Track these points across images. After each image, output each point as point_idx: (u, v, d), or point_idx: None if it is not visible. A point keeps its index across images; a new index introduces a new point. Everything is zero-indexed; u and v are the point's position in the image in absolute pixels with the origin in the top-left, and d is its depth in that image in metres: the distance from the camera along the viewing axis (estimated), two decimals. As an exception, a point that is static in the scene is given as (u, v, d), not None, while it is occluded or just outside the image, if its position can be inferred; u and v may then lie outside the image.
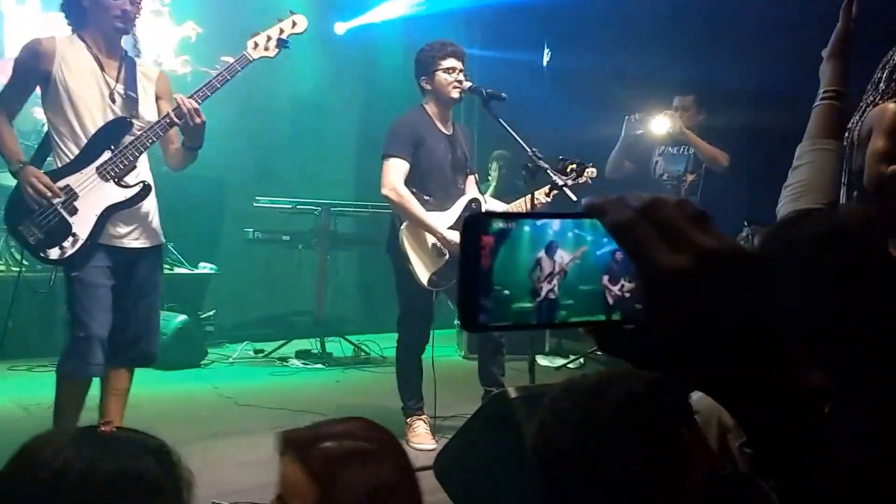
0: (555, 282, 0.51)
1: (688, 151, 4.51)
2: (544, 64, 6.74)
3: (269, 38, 3.14)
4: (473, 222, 0.51)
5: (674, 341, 0.49)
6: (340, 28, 7.34)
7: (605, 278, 0.52)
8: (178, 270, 6.01)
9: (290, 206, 5.79)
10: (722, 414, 1.26)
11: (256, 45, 3.14)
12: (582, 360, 5.57)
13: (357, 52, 7.38)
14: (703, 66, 5.43)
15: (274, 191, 5.99)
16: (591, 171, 3.71)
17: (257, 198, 5.79)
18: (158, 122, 3.03)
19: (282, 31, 3.16)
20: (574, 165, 3.50)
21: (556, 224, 0.52)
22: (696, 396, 1.08)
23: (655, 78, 5.17)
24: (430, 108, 3.78)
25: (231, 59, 3.15)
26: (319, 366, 5.47)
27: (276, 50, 3.14)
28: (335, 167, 7.21)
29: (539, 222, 0.52)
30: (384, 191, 3.66)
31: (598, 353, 5.58)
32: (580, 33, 6.53)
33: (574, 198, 3.31)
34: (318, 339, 5.68)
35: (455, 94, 3.69)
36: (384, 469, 1.17)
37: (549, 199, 3.58)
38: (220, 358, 5.53)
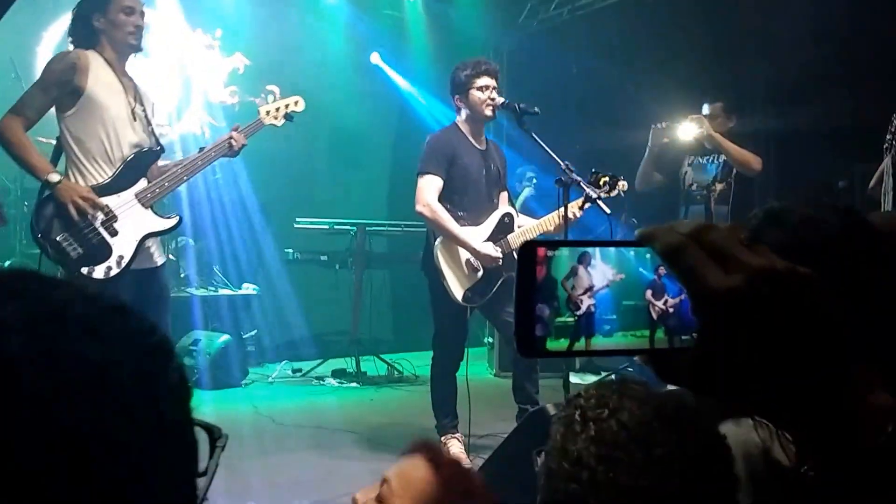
0: (595, 298, 0.51)
1: (717, 160, 4.18)
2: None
3: (277, 109, 3.46)
4: (525, 252, 0.50)
5: (732, 363, 0.46)
6: (375, 58, 7.37)
7: (649, 293, 0.51)
8: (222, 292, 5.97)
9: (327, 227, 5.74)
10: (772, 449, 1.09)
11: (268, 112, 3.44)
12: (614, 376, 5.35)
13: (391, 79, 7.39)
14: (730, 73, 5.25)
15: (313, 212, 5.93)
16: (622, 185, 3.54)
17: (297, 219, 5.74)
18: (188, 166, 3.11)
19: (287, 106, 3.48)
20: (606, 178, 3.34)
21: (598, 250, 0.52)
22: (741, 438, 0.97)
23: (682, 86, 4.96)
24: (464, 126, 3.65)
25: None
26: (354, 384, 5.34)
27: (283, 120, 3.48)
28: (370, 188, 7.18)
29: (582, 249, 0.52)
30: (419, 207, 3.53)
31: (630, 369, 5.36)
32: (606, 43, 6.42)
33: (607, 210, 3.14)
34: (353, 357, 5.54)
35: (489, 111, 3.56)
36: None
37: (581, 213, 3.41)
38: (260, 377, 5.43)
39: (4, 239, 5.22)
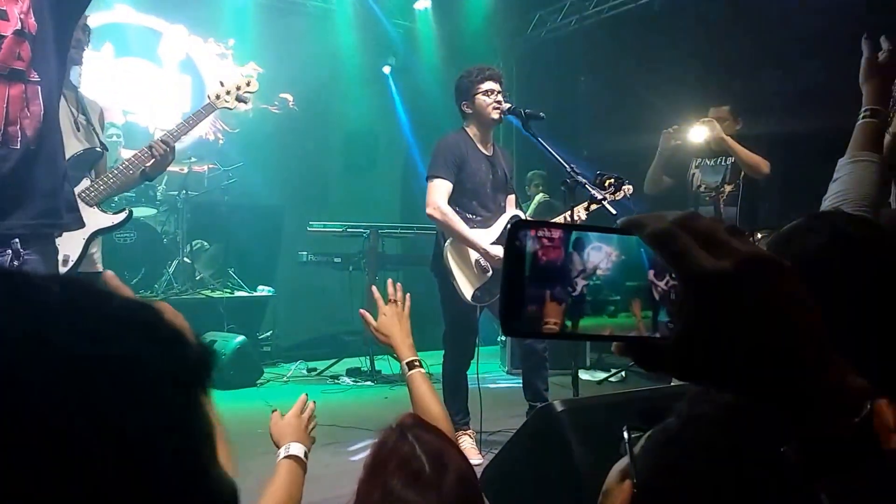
0: (593, 280, 0.49)
1: (725, 162, 4.12)
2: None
3: (228, 93, 3.30)
4: (517, 229, 0.49)
5: (720, 346, 0.46)
6: (387, 68, 7.42)
7: (651, 273, 0.50)
8: (238, 294, 5.99)
9: (340, 230, 5.73)
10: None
11: (219, 96, 3.28)
12: (623, 373, 5.32)
13: (402, 87, 7.42)
14: (738, 76, 5.20)
15: (326, 216, 5.95)
16: (628, 188, 3.53)
17: (311, 222, 5.74)
18: (138, 155, 3.06)
19: (238, 88, 3.32)
20: (612, 180, 3.32)
21: (592, 233, 0.50)
22: None
23: (689, 92, 4.92)
24: (472, 131, 3.65)
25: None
26: (369, 383, 5.34)
27: (235, 103, 3.32)
28: (382, 192, 7.19)
29: (578, 232, 0.50)
30: (429, 210, 3.53)
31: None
32: (613, 52, 6.39)
33: (613, 212, 3.12)
34: (367, 357, 5.54)
35: (495, 115, 3.56)
36: None
37: (588, 214, 3.39)
38: (275, 377, 5.43)
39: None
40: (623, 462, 0.82)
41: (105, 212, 3.03)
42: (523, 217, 3.75)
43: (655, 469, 0.80)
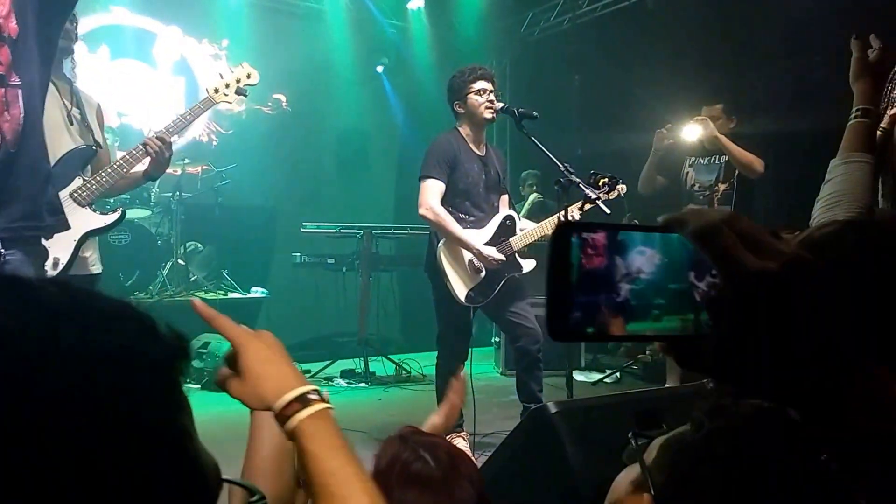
0: (638, 283, 0.49)
1: (719, 161, 4.13)
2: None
3: (227, 86, 3.19)
4: (561, 232, 0.49)
5: (762, 346, 0.46)
6: (381, 68, 7.42)
7: (692, 275, 0.50)
8: (231, 295, 5.97)
9: (334, 231, 5.72)
10: None
11: (217, 90, 3.17)
12: (618, 374, 5.31)
13: (396, 87, 7.41)
14: (731, 75, 5.21)
15: (320, 217, 5.93)
16: (622, 187, 3.52)
17: (304, 223, 5.72)
18: (132, 153, 2.97)
19: (238, 80, 3.22)
20: (606, 179, 3.30)
21: (635, 234, 0.50)
22: None
23: (682, 91, 4.92)
24: (464, 131, 3.64)
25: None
26: (363, 385, 5.33)
27: (235, 97, 3.22)
28: (376, 193, 7.18)
29: (620, 233, 0.50)
30: (422, 210, 3.52)
31: (634, 367, 5.32)
32: (607, 50, 6.39)
33: (608, 211, 3.11)
34: (361, 358, 5.52)
35: (488, 114, 3.55)
36: None
37: (582, 214, 3.39)
38: (269, 378, 5.40)
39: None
40: (632, 472, 0.78)
41: (98, 212, 2.93)
42: (516, 217, 3.75)
43: (674, 481, 0.78)
